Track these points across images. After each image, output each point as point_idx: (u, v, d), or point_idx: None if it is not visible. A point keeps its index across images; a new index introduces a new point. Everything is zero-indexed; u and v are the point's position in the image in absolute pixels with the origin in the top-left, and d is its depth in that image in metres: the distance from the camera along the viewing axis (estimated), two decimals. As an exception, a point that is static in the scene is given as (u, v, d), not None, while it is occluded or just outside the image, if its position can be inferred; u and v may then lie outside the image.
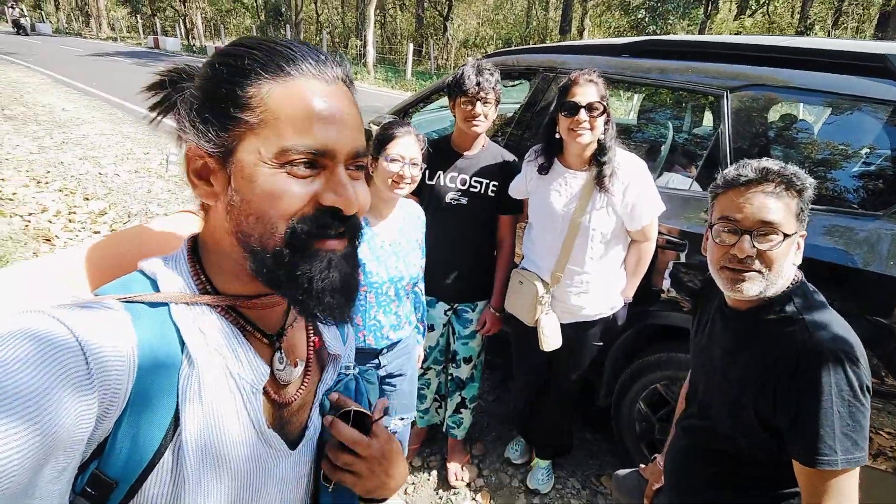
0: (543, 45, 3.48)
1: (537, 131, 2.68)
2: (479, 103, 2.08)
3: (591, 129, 1.87)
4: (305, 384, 0.73)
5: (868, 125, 2.00)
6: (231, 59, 0.58)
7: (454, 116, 2.19)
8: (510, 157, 2.29)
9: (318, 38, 28.31)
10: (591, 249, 2.01)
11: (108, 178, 6.14)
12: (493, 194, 2.23)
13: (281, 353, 0.69)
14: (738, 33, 20.73)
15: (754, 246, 1.14)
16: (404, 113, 3.48)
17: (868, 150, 2.06)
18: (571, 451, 2.59)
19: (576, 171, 2.02)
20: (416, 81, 17.64)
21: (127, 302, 0.57)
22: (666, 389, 2.26)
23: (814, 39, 2.51)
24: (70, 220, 4.80)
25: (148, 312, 0.58)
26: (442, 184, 2.23)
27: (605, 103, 1.87)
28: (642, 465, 1.79)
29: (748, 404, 1.17)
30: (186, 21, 33.95)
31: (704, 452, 1.33)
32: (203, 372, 0.59)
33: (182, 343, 0.58)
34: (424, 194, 2.26)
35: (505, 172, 2.23)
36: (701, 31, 18.81)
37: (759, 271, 1.15)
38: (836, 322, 1.13)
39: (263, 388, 0.66)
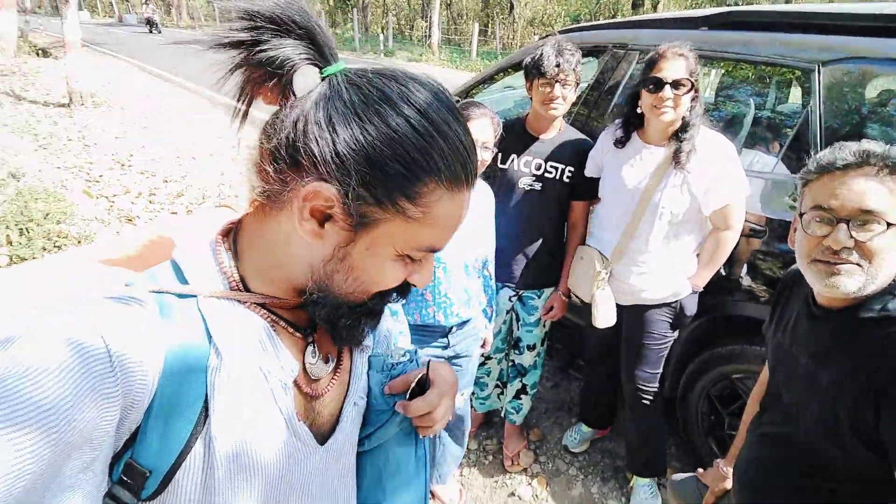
0: (614, 20, 3.32)
1: (605, 111, 2.57)
2: (557, 85, 1.98)
3: (676, 106, 1.77)
4: (337, 377, 0.72)
5: None
6: (413, 131, 0.54)
7: (531, 98, 2.11)
8: (589, 141, 2.19)
9: (384, 21, 28.46)
10: (658, 229, 1.91)
11: (184, 162, 6.45)
12: (567, 180, 2.15)
13: (313, 347, 0.68)
14: (828, 1, 19.13)
15: (852, 236, 1.02)
16: (466, 94, 3.43)
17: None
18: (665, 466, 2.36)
19: (654, 146, 1.92)
20: (481, 62, 17.44)
21: (158, 292, 0.58)
22: (739, 383, 2.13)
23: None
24: (150, 202, 5.09)
25: (177, 304, 0.58)
26: (516, 168, 2.15)
27: (693, 79, 1.75)
28: (700, 470, 1.69)
29: (844, 415, 1.06)
30: (259, 7, 34.94)
31: (791, 465, 1.23)
32: (232, 365, 0.58)
33: (210, 336, 0.58)
34: (497, 178, 2.20)
35: (581, 158, 2.14)
36: (787, 0, 17.48)
37: (858, 264, 1.03)
38: None
39: (295, 382, 0.66)
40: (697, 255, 2.01)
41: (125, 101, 9.55)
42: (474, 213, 1.90)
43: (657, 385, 2.18)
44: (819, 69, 1.97)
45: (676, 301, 2.02)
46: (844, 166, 1.05)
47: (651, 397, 2.19)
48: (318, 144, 0.53)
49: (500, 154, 2.14)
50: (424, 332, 1.89)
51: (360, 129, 0.53)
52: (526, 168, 2.15)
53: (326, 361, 0.71)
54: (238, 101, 0.59)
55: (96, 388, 0.48)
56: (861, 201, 1.02)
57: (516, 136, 2.16)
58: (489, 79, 3.38)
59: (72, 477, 0.47)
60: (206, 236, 0.65)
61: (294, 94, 0.59)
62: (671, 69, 1.75)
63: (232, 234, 0.66)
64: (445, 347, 1.95)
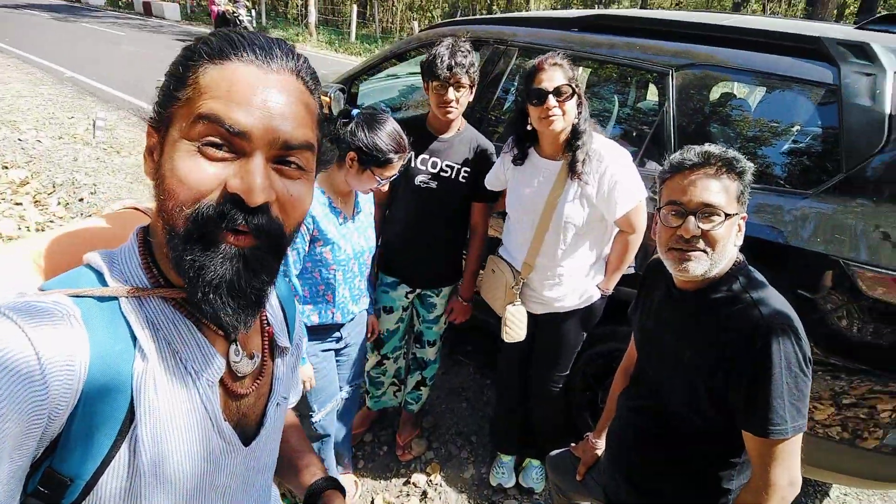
0: (493, 16, 3.44)
1: (487, 104, 2.68)
2: (451, 89, 1.97)
3: (563, 114, 1.79)
4: (262, 376, 0.73)
5: (802, 105, 2.10)
6: (193, 44, 0.60)
7: (428, 97, 2.08)
8: (486, 142, 2.21)
9: (255, -4, 26.87)
10: (564, 242, 1.95)
11: (28, 145, 5.70)
12: (463, 180, 2.16)
13: (237, 344, 0.68)
14: (678, 6, 21.17)
15: (699, 226, 1.19)
16: (351, 82, 3.39)
17: (798, 130, 2.17)
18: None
19: (551, 159, 1.95)
20: (360, 45, 17.12)
21: (77, 297, 0.56)
22: (612, 361, 2.33)
23: (754, 18, 2.60)
24: (-14, 191, 4.45)
25: (98, 307, 0.57)
26: (413, 165, 2.14)
27: (573, 85, 1.78)
28: (573, 444, 1.84)
29: (701, 386, 1.23)
30: (110, -28, 31.42)
31: (659, 434, 1.39)
32: (157, 365, 0.59)
33: (135, 338, 0.58)
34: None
35: (478, 159, 2.16)
36: (642, 5, 19.08)
37: (704, 251, 1.21)
38: (778, 298, 1.20)
39: (220, 380, 0.66)
40: (605, 259, 2.09)
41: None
42: (361, 210, 1.92)
43: (561, 386, 2.28)
44: (672, 73, 2.20)
45: (588, 305, 2.10)
46: (691, 166, 1.23)
47: (558, 401, 2.29)
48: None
49: None
50: (320, 332, 1.90)
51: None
52: (423, 166, 2.14)
53: (251, 358, 0.70)
54: None
55: (27, 395, 0.47)
56: (704, 196, 1.20)
57: (416, 133, 2.11)
58: (373, 67, 3.36)
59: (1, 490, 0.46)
60: (117, 239, 0.65)
61: None
62: (550, 79, 1.77)
63: (144, 234, 0.65)
64: (339, 340, 1.99)
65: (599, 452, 1.70)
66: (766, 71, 2.04)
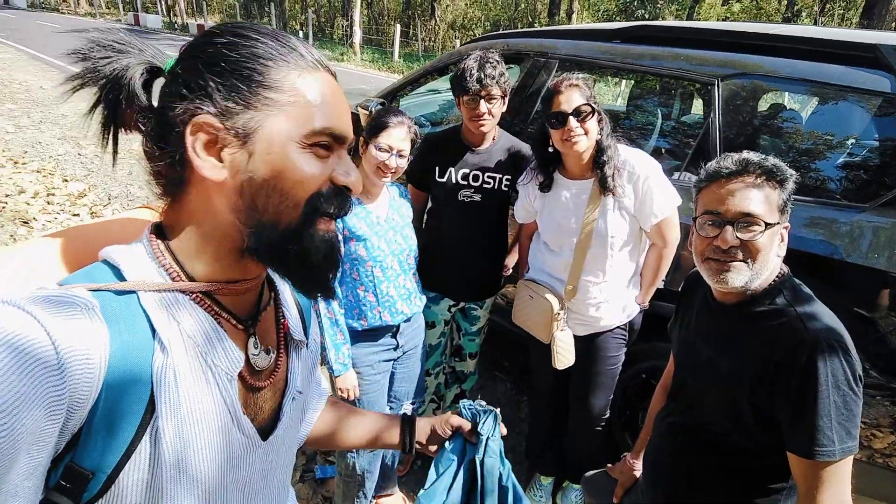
0: (534, 29, 3.44)
1: (527, 116, 2.67)
2: (482, 101, 1.95)
3: (585, 133, 1.78)
4: (277, 370, 0.74)
5: (857, 116, 2.00)
6: (243, 41, 0.59)
7: (461, 111, 2.06)
8: (524, 146, 2.17)
9: (303, 17, 27.79)
10: (611, 258, 1.91)
11: (87, 160, 6.00)
12: (506, 188, 2.14)
13: (255, 338, 0.69)
14: (725, 19, 20.77)
15: (737, 236, 1.14)
16: (392, 97, 3.43)
17: (854, 142, 2.07)
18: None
19: (579, 179, 1.92)
20: (403, 63, 17.43)
21: (97, 291, 0.57)
22: (651, 378, 2.27)
23: (805, 28, 2.51)
24: (48, 203, 4.70)
25: (116, 301, 0.57)
26: (454, 181, 2.12)
27: (592, 104, 1.77)
28: (610, 465, 1.78)
29: (743, 400, 1.17)
30: (168, -3, 33.12)
31: (695, 450, 1.33)
32: (177, 358, 0.59)
33: (154, 330, 0.58)
34: (436, 192, 2.19)
35: (518, 164, 2.13)
36: (689, 17, 18.81)
37: (744, 261, 1.16)
38: (826, 313, 1.14)
39: (238, 374, 0.66)
40: (640, 273, 2.05)
41: (16, 94, 8.74)
42: (397, 213, 1.94)
43: (609, 412, 2.19)
44: (718, 83, 2.14)
45: (628, 321, 2.06)
46: (728, 174, 1.18)
47: (603, 424, 2.19)
48: (173, 93, 0.60)
49: (437, 167, 2.13)
50: (371, 336, 1.90)
51: (198, 60, 0.59)
52: (464, 181, 2.12)
53: (268, 353, 0.71)
54: (104, 137, 0.66)
55: (43, 386, 0.47)
56: (743, 205, 1.15)
57: (453, 148, 2.13)
58: (414, 82, 3.40)
59: (17, 484, 0.46)
60: (133, 235, 0.65)
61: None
62: (568, 100, 1.76)
63: (158, 231, 0.65)
64: (395, 349, 1.97)
65: (637, 474, 1.64)
66: (818, 80, 1.96)
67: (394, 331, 1.95)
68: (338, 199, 0.64)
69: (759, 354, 1.15)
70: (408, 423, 1.02)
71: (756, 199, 1.15)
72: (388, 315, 1.88)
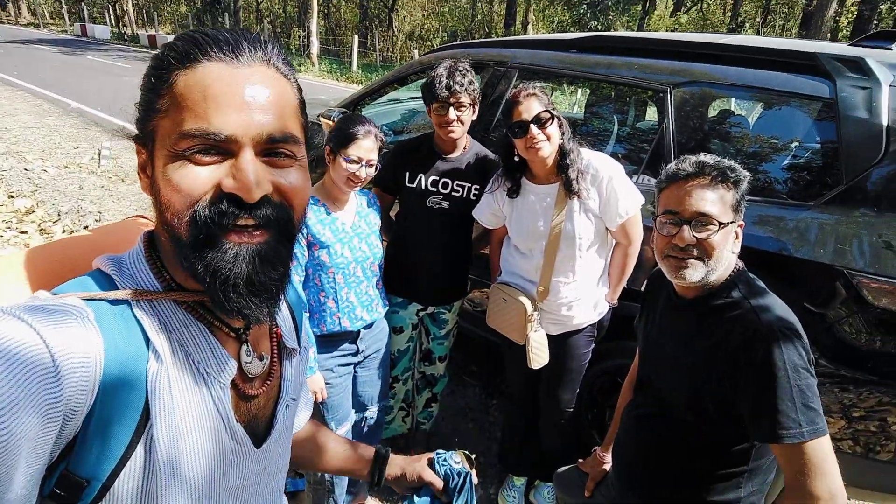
0: (493, 39, 3.51)
1: (488, 125, 2.71)
2: (451, 108, 1.98)
3: (548, 139, 1.84)
4: (272, 377, 0.73)
5: (799, 120, 2.12)
6: (161, 51, 0.59)
7: (431, 119, 2.09)
8: (493, 156, 2.21)
9: (258, 28, 27.46)
10: (580, 258, 1.96)
11: (34, 174, 5.77)
12: (474, 197, 2.17)
13: (248, 345, 0.69)
14: (673, 30, 21.54)
15: (693, 235, 1.21)
16: (354, 106, 3.44)
17: (798, 144, 2.19)
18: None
19: (545, 184, 1.98)
20: (361, 74, 17.41)
21: (89, 300, 0.57)
22: (618, 377, 2.32)
23: (749, 38, 2.64)
24: (-7, 220, 4.49)
25: (111, 310, 0.57)
26: (423, 187, 2.14)
27: (551, 110, 1.84)
28: (580, 460, 1.82)
29: (706, 391, 1.22)
30: (116, 7, 32.23)
31: (660, 440, 1.38)
32: (170, 368, 0.59)
33: (148, 340, 0.58)
34: (405, 197, 2.20)
35: (487, 174, 2.16)
36: (639, 28, 19.44)
37: (700, 258, 1.22)
38: (778, 304, 1.21)
39: (231, 382, 0.66)
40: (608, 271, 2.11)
41: (-47, 106, 8.34)
42: (364, 221, 1.95)
43: (575, 405, 2.24)
44: (671, 91, 2.23)
45: (598, 319, 2.12)
46: (686, 176, 1.25)
47: (568, 417, 2.25)
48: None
49: (407, 173, 2.14)
50: (330, 342, 1.90)
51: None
52: (433, 187, 2.14)
53: (261, 360, 0.71)
54: None
55: (40, 390, 0.47)
56: (698, 206, 1.22)
57: (423, 154, 2.16)
58: (375, 92, 3.42)
59: (16, 492, 0.46)
60: (126, 246, 0.65)
61: None
62: (528, 109, 1.82)
63: (149, 238, 0.65)
64: (355, 354, 1.98)
65: (607, 467, 1.68)
66: (762, 87, 2.07)
67: (354, 336, 1.96)
68: (238, 208, 0.56)
69: (718, 346, 1.21)
70: (379, 460, 1.01)
71: (711, 199, 1.22)
72: (347, 321, 1.89)
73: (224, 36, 0.58)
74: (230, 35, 0.58)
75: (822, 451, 1.10)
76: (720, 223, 1.21)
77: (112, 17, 31.28)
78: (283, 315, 0.80)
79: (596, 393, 2.40)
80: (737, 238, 1.27)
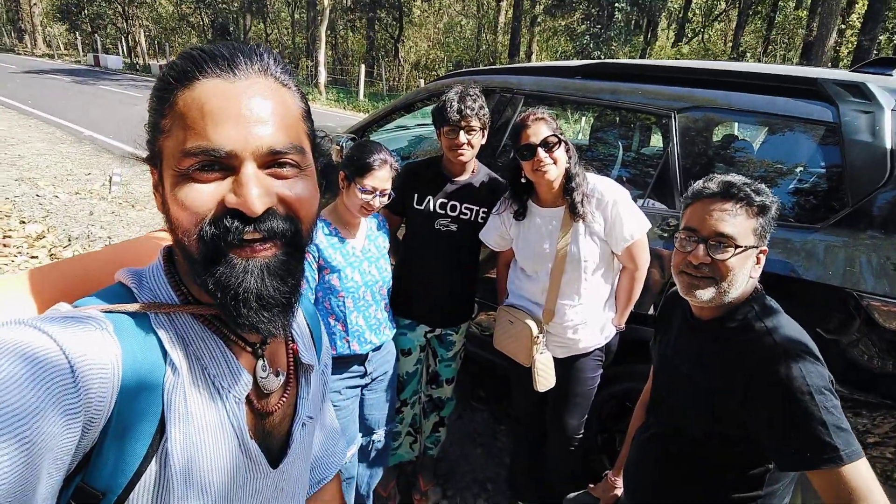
0: (499, 66, 3.57)
1: (494, 150, 2.75)
2: (462, 132, 2.01)
3: (555, 162, 1.86)
4: (287, 393, 0.73)
5: (803, 144, 2.14)
6: (163, 71, 0.60)
7: (440, 143, 2.12)
8: (500, 180, 2.24)
9: (267, 58, 27.99)
10: (586, 281, 1.98)
11: (46, 200, 5.85)
12: (482, 220, 2.20)
13: (264, 361, 0.69)
14: (676, 59, 21.80)
15: (708, 254, 1.20)
16: (362, 133, 3.49)
17: (803, 168, 2.21)
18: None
19: (551, 207, 2.00)
20: (368, 102, 17.68)
21: (109, 313, 0.57)
22: (627, 401, 2.30)
23: (752, 64, 2.68)
24: (4, 245, 4.54)
25: (129, 322, 0.58)
26: (431, 209, 2.16)
27: (558, 135, 1.87)
28: (591, 485, 1.79)
29: (720, 412, 1.21)
30: (129, 39, 33.02)
31: (674, 459, 1.36)
32: (187, 381, 0.59)
33: (165, 353, 0.59)
34: (412, 219, 2.22)
35: (495, 198, 2.18)
36: (642, 58, 19.72)
37: (713, 278, 1.21)
38: (791, 324, 1.19)
39: (247, 398, 0.66)
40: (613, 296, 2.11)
41: (-32, 134, 8.50)
42: (374, 244, 1.96)
43: (584, 432, 2.21)
44: (675, 116, 2.26)
45: (605, 343, 2.11)
46: (710, 195, 1.24)
47: (577, 444, 2.21)
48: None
49: (415, 195, 2.17)
50: (339, 365, 1.90)
51: None
52: (441, 210, 2.16)
53: (277, 375, 0.71)
54: None
55: (60, 400, 0.47)
56: (718, 226, 1.20)
57: (431, 177, 2.18)
58: (382, 118, 3.47)
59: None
60: (145, 260, 0.66)
61: None
62: (536, 133, 1.85)
63: (168, 253, 0.67)
64: (363, 376, 1.98)
65: (619, 492, 1.65)
66: (766, 111, 2.09)
67: (362, 358, 1.96)
68: (241, 223, 0.56)
69: (732, 368, 1.19)
70: None
71: (732, 221, 1.20)
72: (356, 344, 1.90)
73: (220, 51, 0.58)
74: (226, 49, 0.59)
75: (863, 474, 1.03)
76: (737, 245, 1.19)
77: (125, 47, 32.04)
78: (301, 331, 0.79)
79: (605, 417, 2.37)
80: (758, 263, 1.24)
